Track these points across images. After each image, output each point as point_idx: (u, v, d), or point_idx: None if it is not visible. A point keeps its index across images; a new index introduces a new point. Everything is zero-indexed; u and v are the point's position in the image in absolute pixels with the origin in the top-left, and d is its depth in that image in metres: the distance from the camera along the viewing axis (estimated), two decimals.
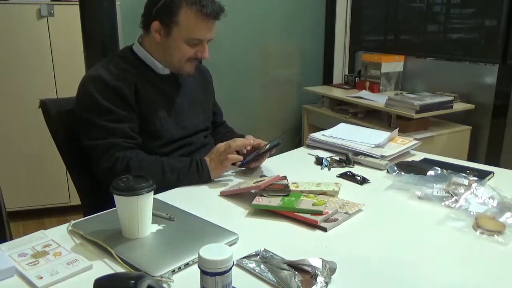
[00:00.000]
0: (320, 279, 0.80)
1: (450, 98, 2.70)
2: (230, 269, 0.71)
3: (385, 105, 2.73)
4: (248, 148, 1.40)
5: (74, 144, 1.37)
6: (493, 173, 1.38)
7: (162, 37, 1.37)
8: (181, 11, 1.32)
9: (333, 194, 1.20)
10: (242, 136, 1.53)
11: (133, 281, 0.63)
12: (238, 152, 1.37)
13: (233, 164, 1.35)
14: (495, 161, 2.71)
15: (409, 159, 1.52)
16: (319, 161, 1.49)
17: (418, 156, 1.55)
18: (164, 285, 0.82)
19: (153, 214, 0.99)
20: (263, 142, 1.43)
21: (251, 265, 0.87)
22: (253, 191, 1.21)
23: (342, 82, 3.60)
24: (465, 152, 2.78)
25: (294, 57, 3.66)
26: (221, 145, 1.36)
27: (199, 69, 1.62)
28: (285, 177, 1.23)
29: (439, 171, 1.30)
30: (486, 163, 1.54)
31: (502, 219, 1.05)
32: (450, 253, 0.94)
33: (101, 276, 0.66)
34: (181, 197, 1.22)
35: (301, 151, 1.63)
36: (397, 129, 1.66)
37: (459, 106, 2.74)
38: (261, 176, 1.31)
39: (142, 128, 1.37)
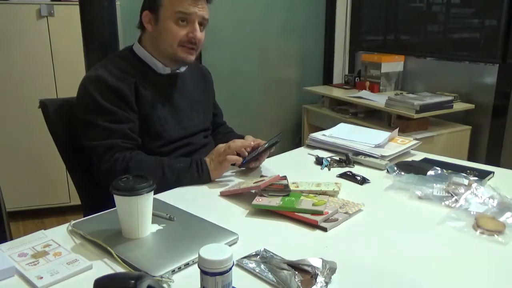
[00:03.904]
0: (320, 279, 0.80)
1: (450, 98, 2.70)
2: (230, 269, 0.71)
3: (385, 105, 2.73)
4: (248, 149, 1.39)
5: (74, 144, 1.37)
6: (493, 173, 1.38)
7: (153, 26, 1.38)
8: None
9: (333, 194, 1.20)
10: (242, 137, 1.53)
11: (133, 281, 0.63)
12: (238, 153, 1.37)
13: (233, 164, 1.35)
14: (495, 161, 2.71)
15: (409, 159, 1.52)
16: (319, 161, 1.49)
17: (418, 156, 1.55)
18: (164, 285, 0.82)
19: (153, 214, 0.99)
20: (263, 142, 1.43)
21: (251, 265, 0.87)
22: (253, 191, 1.21)
23: (342, 82, 3.60)
24: (465, 152, 2.78)
25: (294, 57, 3.66)
26: (221, 146, 1.36)
27: (199, 69, 1.62)
28: (285, 177, 1.23)
29: (439, 171, 1.30)
30: (486, 163, 1.54)
31: (502, 219, 1.05)
32: (450, 253, 0.94)
33: (101, 276, 0.65)
34: (181, 197, 1.22)
35: (301, 151, 1.63)
36: (397, 129, 1.66)
37: (459, 106, 2.74)
38: (261, 176, 1.31)
39: (142, 129, 1.37)
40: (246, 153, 1.37)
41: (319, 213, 1.06)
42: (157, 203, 1.05)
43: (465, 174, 1.28)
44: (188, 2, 1.35)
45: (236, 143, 1.35)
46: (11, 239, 1.10)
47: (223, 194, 1.24)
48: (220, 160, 1.32)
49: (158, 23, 1.37)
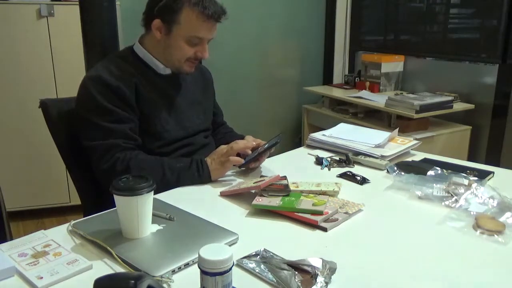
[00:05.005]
0: (320, 279, 0.81)
1: (450, 98, 2.70)
2: (230, 269, 0.71)
3: (385, 105, 2.73)
4: (249, 151, 1.40)
5: (74, 144, 1.37)
6: (493, 173, 1.38)
7: (163, 35, 1.37)
8: (183, 10, 1.32)
9: (333, 194, 1.20)
10: (242, 137, 1.53)
11: (133, 281, 0.63)
12: (239, 154, 1.37)
13: (234, 164, 1.35)
14: (495, 161, 2.71)
15: (409, 159, 1.52)
16: (319, 161, 1.49)
17: (418, 156, 1.55)
18: (164, 285, 0.82)
19: (153, 214, 0.99)
20: (263, 142, 1.43)
21: (251, 265, 0.87)
22: (253, 191, 1.21)
23: (342, 82, 3.60)
24: (465, 152, 2.78)
25: (294, 57, 3.66)
26: (223, 147, 1.36)
27: (200, 69, 1.62)
28: (285, 177, 1.23)
29: (439, 171, 1.30)
30: (486, 163, 1.54)
31: (502, 219, 1.05)
32: (450, 253, 0.94)
33: (101, 276, 0.66)
34: (181, 197, 1.22)
35: (301, 151, 1.63)
36: (397, 129, 1.66)
37: (459, 106, 2.74)
38: (261, 176, 1.31)
39: (143, 129, 1.37)
40: (250, 152, 1.38)
41: (319, 213, 1.06)
42: (157, 203, 1.05)
43: (465, 174, 1.28)
44: (206, 30, 1.36)
45: (239, 144, 1.35)
46: (11, 239, 1.10)
47: (223, 194, 1.24)
48: (222, 161, 1.33)
49: (169, 36, 1.36)
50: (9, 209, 2.47)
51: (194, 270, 0.78)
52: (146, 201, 0.94)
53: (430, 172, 1.29)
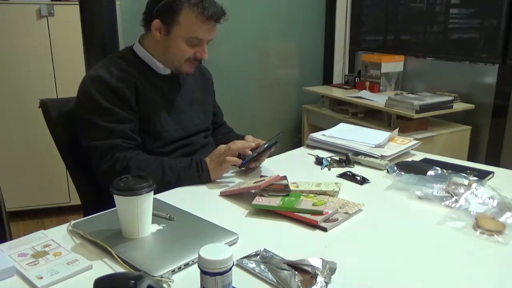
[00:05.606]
0: (320, 279, 0.80)
1: (450, 98, 2.70)
2: (230, 269, 0.71)
3: (385, 105, 2.73)
4: (249, 151, 1.40)
5: (74, 144, 1.37)
6: (493, 173, 1.38)
7: (162, 36, 1.37)
8: (182, 11, 1.33)
9: (333, 194, 1.20)
10: (242, 137, 1.53)
11: (133, 281, 0.63)
12: (239, 154, 1.37)
13: (233, 164, 1.35)
14: (495, 161, 2.71)
15: (409, 159, 1.52)
16: (319, 161, 1.49)
17: (418, 156, 1.55)
18: (164, 285, 0.82)
19: (153, 214, 0.99)
20: (263, 142, 1.43)
21: (251, 265, 0.87)
22: (253, 191, 1.21)
23: (342, 82, 3.60)
24: (465, 152, 2.78)
25: (294, 57, 3.66)
26: (221, 147, 1.36)
27: (200, 70, 1.62)
28: (285, 177, 1.23)
29: (439, 171, 1.30)
30: (486, 163, 1.54)
31: (502, 219, 1.05)
32: (450, 253, 0.94)
33: (101, 276, 0.66)
34: (181, 197, 1.22)
35: (301, 151, 1.64)
36: (397, 129, 1.66)
37: (459, 106, 2.74)
38: (261, 176, 1.31)
39: (142, 129, 1.37)
40: (250, 152, 1.38)
41: (319, 213, 1.06)
42: (157, 203, 1.05)
43: (465, 174, 1.28)
44: (205, 31, 1.36)
45: (237, 144, 1.35)
46: (11, 239, 1.10)
47: (223, 194, 1.24)
48: (220, 161, 1.33)
49: (169, 37, 1.37)
50: (9, 209, 2.46)
51: (194, 270, 0.78)
52: (146, 201, 0.94)
53: (430, 172, 1.29)
